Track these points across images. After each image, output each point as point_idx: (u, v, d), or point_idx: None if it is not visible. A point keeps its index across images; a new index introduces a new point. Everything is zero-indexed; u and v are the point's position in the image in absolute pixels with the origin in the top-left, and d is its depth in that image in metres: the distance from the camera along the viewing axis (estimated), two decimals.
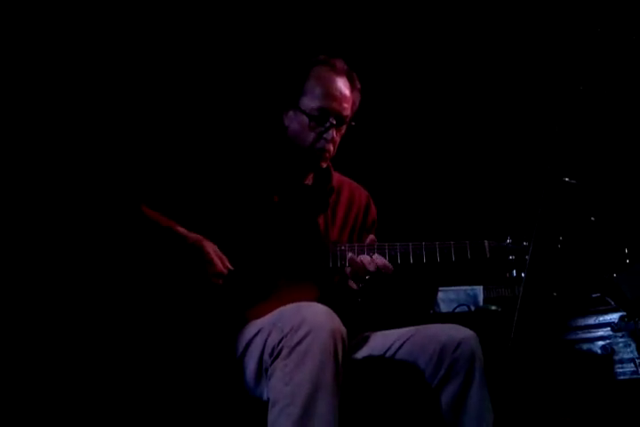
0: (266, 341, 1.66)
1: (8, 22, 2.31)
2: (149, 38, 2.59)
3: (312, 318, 1.60)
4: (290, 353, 1.58)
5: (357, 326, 1.97)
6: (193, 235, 1.85)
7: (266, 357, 1.65)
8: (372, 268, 1.86)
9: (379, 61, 2.94)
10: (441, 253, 1.90)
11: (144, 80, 2.56)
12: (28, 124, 2.31)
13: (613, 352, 2.16)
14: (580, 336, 2.26)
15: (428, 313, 2.84)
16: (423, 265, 1.91)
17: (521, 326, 1.45)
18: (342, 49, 2.13)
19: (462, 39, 3.03)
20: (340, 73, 1.99)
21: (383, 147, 3.04)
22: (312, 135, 1.97)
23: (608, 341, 2.18)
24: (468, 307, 2.80)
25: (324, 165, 2.03)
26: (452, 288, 2.88)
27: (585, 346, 2.23)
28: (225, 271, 1.83)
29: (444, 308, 2.86)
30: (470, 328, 1.87)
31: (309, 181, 2.10)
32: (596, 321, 2.24)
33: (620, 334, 2.16)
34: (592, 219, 1.85)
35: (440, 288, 2.89)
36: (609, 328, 2.18)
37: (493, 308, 2.76)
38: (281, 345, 1.60)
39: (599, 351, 2.19)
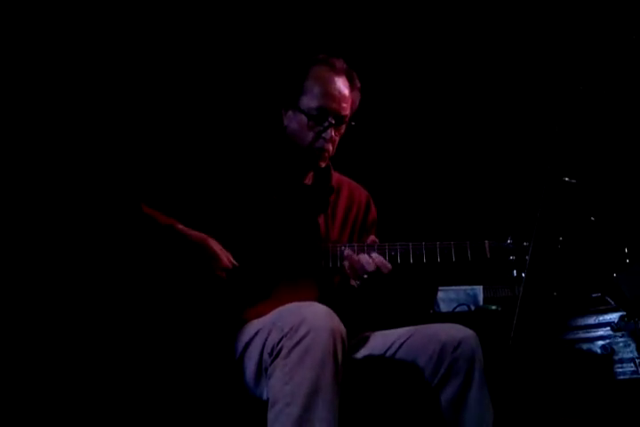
0: (265, 340, 1.66)
1: (8, 22, 2.31)
2: (149, 38, 2.59)
3: (312, 318, 1.60)
4: (289, 353, 1.58)
5: (357, 325, 1.97)
6: (195, 232, 1.85)
7: (265, 356, 1.65)
8: (370, 268, 1.86)
9: (379, 61, 2.94)
10: (441, 253, 1.90)
11: (144, 80, 2.57)
12: (30, 123, 2.31)
13: (613, 352, 2.16)
14: (580, 336, 2.26)
15: (428, 313, 2.84)
16: (423, 265, 1.91)
17: (521, 325, 1.45)
18: (342, 48, 2.13)
19: (462, 39, 3.03)
20: (339, 72, 1.99)
21: (383, 147, 3.04)
22: (311, 135, 1.97)
23: (608, 340, 2.18)
24: (468, 307, 2.80)
25: (323, 165, 2.03)
26: (452, 288, 2.88)
27: (585, 346, 2.23)
28: (230, 266, 1.84)
29: (443, 307, 2.86)
30: (470, 328, 1.87)
31: (309, 180, 2.10)
32: (596, 321, 2.24)
33: (619, 334, 2.15)
34: (592, 219, 1.84)
35: (440, 288, 2.89)
36: (609, 328, 2.18)
37: (493, 307, 2.76)
38: (281, 345, 1.60)
39: (599, 351, 2.18)
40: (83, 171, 2.33)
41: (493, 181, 3.10)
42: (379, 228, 2.17)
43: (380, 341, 1.93)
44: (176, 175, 1.94)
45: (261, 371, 1.67)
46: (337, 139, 2.01)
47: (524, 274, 1.59)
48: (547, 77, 2.88)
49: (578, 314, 2.30)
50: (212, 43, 2.72)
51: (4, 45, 2.29)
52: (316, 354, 1.56)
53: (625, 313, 2.15)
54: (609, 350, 2.17)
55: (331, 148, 2.00)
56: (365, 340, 1.97)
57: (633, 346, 2.12)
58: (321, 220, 2.03)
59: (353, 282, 1.94)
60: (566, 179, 1.62)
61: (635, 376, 2.10)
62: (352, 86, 2.02)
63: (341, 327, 1.63)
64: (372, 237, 1.95)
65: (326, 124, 1.96)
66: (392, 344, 1.89)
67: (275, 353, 1.61)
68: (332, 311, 1.65)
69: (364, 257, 1.87)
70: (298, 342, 1.57)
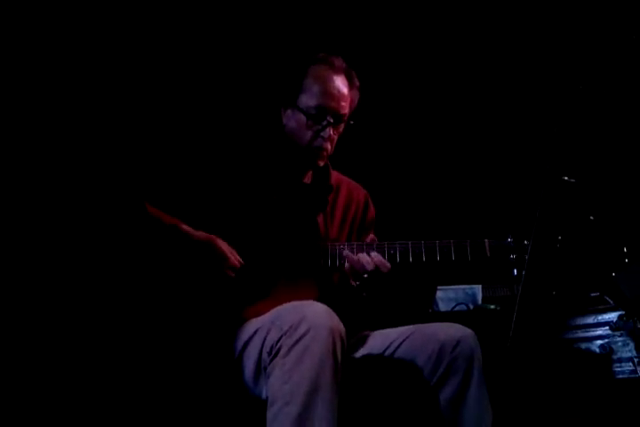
0: (265, 339, 1.66)
1: (8, 22, 2.30)
2: (149, 38, 2.59)
3: (311, 317, 1.60)
4: (289, 352, 1.58)
5: (356, 324, 1.97)
6: (200, 233, 1.85)
7: (264, 355, 1.65)
8: (370, 267, 1.85)
9: (378, 60, 2.94)
10: (441, 252, 1.90)
11: (145, 80, 2.56)
12: (32, 123, 2.31)
13: (612, 351, 2.16)
14: (579, 335, 2.26)
15: (427, 312, 2.84)
16: (423, 264, 1.91)
17: (520, 324, 1.45)
18: (341, 47, 2.13)
19: (462, 38, 3.03)
20: (338, 71, 1.98)
21: (383, 146, 3.04)
22: (309, 133, 1.97)
23: (607, 340, 2.18)
24: (467, 306, 2.80)
25: (322, 164, 2.03)
26: (451, 287, 2.88)
27: (583, 345, 2.23)
28: (238, 265, 1.84)
29: (442, 307, 2.86)
30: (469, 327, 1.86)
31: (308, 179, 2.10)
32: (595, 320, 2.24)
33: (618, 333, 2.16)
34: (591, 218, 1.84)
35: (439, 287, 2.89)
36: (608, 327, 2.18)
37: (492, 307, 2.76)
38: (280, 344, 1.60)
39: (598, 350, 2.19)
40: (86, 171, 2.33)
41: (493, 181, 3.10)
42: (378, 226, 2.17)
43: (379, 340, 1.93)
44: (176, 174, 1.94)
45: (260, 370, 1.67)
46: (335, 138, 2.01)
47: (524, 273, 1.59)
48: (546, 77, 2.88)
49: (577, 313, 2.30)
50: (212, 42, 2.72)
51: (4, 45, 2.29)
52: (315, 353, 1.56)
53: (624, 312, 2.15)
54: (607, 350, 2.17)
55: (329, 146, 1.99)
56: (364, 339, 1.97)
57: (631, 345, 2.12)
58: (320, 219, 2.03)
59: (352, 281, 1.94)
60: (566, 178, 1.62)
61: (633, 375, 2.11)
62: (351, 85, 2.01)
63: (341, 326, 1.63)
64: (372, 236, 1.95)
65: (325, 122, 1.96)
66: (391, 343, 1.89)
67: (274, 352, 1.61)
68: (331, 310, 1.65)
69: (363, 257, 1.87)
70: (297, 341, 1.57)
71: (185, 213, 1.88)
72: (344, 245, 1.91)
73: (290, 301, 1.72)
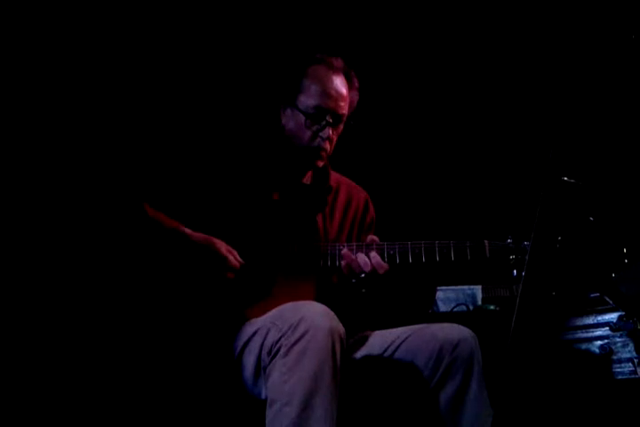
0: (264, 339, 1.66)
1: (8, 22, 2.30)
2: (148, 39, 2.58)
3: (310, 317, 1.60)
4: (288, 352, 1.58)
5: (356, 325, 1.97)
6: (199, 234, 1.85)
7: (264, 355, 1.65)
8: (367, 268, 1.85)
9: (378, 60, 2.94)
10: (440, 252, 1.90)
11: (144, 80, 2.56)
12: (31, 123, 2.31)
13: (612, 352, 2.16)
14: (579, 336, 2.25)
15: (427, 313, 2.84)
16: (422, 265, 1.91)
17: (519, 325, 1.44)
18: (340, 47, 2.13)
19: (462, 38, 3.02)
20: (337, 71, 1.98)
21: (382, 146, 3.04)
22: (308, 134, 1.97)
23: (606, 340, 2.18)
24: (467, 306, 2.80)
25: (321, 164, 2.03)
26: (451, 288, 2.88)
27: (583, 346, 2.23)
28: (238, 266, 1.84)
29: (442, 307, 2.86)
30: (469, 328, 1.87)
31: (308, 179, 2.10)
32: (595, 321, 2.24)
33: (618, 334, 2.15)
34: (591, 219, 1.84)
35: (439, 288, 2.89)
36: (607, 328, 2.18)
37: (492, 307, 2.76)
38: (279, 344, 1.60)
39: (597, 351, 2.18)
40: (86, 173, 2.33)
41: (493, 181, 3.10)
42: (378, 227, 2.16)
43: (378, 340, 1.93)
44: (176, 175, 1.94)
45: (260, 370, 1.67)
46: (335, 138, 2.01)
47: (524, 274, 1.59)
48: (546, 77, 2.88)
49: (576, 314, 2.30)
50: (211, 42, 2.72)
51: (5, 45, 2.29)
52: (314, 353, 1.56)
53: (624, 313, 2.15)
54: (607, 350, 2.17)
55: (328, 147, 1.99)
56: (364, 339, 1.97)
57: (631, 346, 2.12)
58: (319, 219, 2.03)
59: (350, 281, 1.94)
60: (565, 179, 1.62)
61: (633, 376, 2.10)
62: (350, 85, 2.01)
63: (340, 327, 1.63)
64: (372, 236, 1.95)
65: (324, 123, 1.96)
66: (391, 344, 1.89)
67: (273, 352, 1.61)
68: (330, 311, 1.65)
69: (361, 257, 1.87)
70: (296, 342, 1.57)
71: (184, 214, 1.88)
72: (343, 246, 1.91)
73: (289, 301, 1.73)
